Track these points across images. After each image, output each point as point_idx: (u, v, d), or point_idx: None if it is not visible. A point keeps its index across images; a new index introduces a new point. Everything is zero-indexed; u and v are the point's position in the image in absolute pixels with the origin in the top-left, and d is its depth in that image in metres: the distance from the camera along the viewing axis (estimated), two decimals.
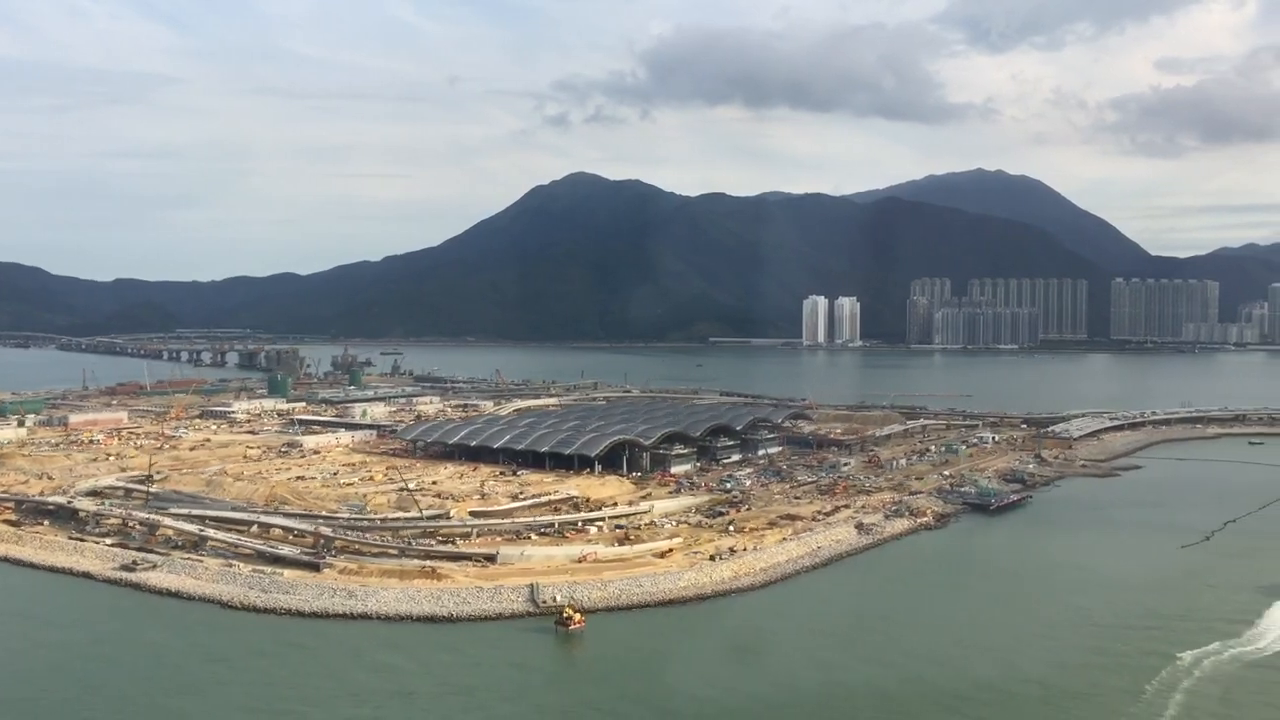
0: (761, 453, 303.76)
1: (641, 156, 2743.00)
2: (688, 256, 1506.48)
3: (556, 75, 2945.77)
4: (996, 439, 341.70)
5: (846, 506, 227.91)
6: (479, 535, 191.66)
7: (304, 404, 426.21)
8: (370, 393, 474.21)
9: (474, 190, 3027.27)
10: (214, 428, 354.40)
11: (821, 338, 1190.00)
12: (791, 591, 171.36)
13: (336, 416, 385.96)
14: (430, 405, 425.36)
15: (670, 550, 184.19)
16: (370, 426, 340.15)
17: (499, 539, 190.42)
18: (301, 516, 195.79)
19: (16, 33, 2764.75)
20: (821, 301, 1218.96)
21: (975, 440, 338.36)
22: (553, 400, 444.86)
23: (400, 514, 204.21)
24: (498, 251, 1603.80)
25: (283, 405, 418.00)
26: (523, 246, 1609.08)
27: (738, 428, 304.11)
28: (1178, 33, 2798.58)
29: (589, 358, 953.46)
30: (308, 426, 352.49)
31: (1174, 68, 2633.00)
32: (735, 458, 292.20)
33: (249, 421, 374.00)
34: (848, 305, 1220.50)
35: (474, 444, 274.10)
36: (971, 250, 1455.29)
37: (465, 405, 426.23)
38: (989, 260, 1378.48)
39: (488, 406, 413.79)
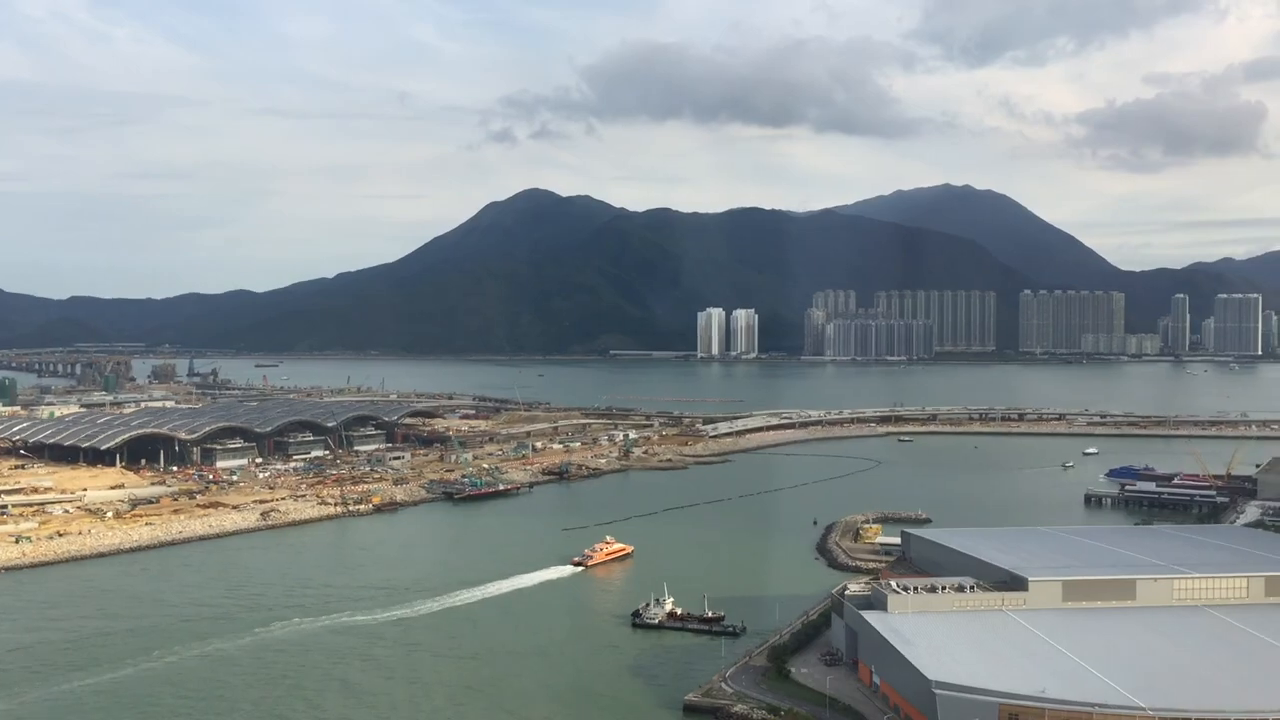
0: (358, 449, 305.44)
1: (655, 175, 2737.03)
2: (610, 271, 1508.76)
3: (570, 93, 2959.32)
4: (633, 435, 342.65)
5: (298, 497, 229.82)
6: None
7: (16, 408, 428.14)
8: (110, 397, 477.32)
9: (453, 206, 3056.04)
10: None
11: (716, 350, 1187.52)
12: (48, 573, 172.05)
13: (26, 417, 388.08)
14: (157, 404, 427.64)
15: None
16: None
17: None
18: None
19: (42, 57, 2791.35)
20: (717, 314, 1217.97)
21: (606, 437, 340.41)
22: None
23: None
24: (438, 267, 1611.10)
25: None
26: (462, 262, 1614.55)
27: (329, 424, 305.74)
28: (1156, 49, 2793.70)
29: (457, 369, 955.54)
30: None
31: (1161, 83, 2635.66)
32: (315, 453, 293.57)
33: None
34: (743, 318, 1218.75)
35: (16, 439, 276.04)
36: (899, 263, 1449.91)
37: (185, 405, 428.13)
38: (915, 273, 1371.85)
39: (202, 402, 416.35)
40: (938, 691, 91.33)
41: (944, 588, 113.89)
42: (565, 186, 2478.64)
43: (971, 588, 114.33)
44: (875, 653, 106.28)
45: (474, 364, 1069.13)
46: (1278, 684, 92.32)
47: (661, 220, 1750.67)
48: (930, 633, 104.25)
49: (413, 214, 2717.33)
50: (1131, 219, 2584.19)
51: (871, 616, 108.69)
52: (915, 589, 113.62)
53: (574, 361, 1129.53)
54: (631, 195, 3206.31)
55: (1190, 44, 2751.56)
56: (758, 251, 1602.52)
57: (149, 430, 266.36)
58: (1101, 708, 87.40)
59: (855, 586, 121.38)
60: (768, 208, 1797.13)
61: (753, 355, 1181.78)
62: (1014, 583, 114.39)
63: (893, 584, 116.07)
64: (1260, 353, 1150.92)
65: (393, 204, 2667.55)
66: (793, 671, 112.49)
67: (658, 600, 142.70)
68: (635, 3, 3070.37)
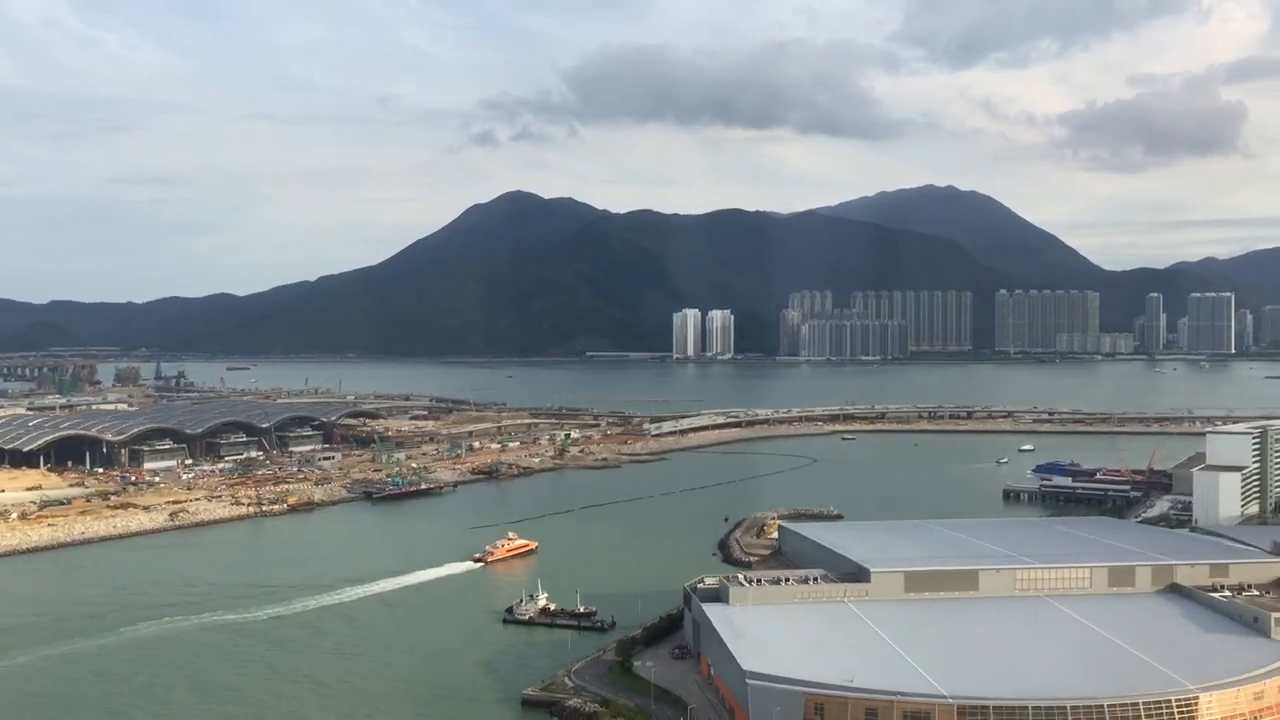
0: (294, 449, 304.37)
1: (640, 177, 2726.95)
2: (590, 273, 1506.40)
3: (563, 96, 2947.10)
4: (575, 434, 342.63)
5: (214, 497, 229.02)
6: None
7: None
8: (63, 399, 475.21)
9: (440, 210, 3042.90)
10: None
11: (691, 351, 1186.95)
12: None
13: None
14: (109, 407, 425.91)
15: None
16: None
17: None
18: None
19: (34, 63, 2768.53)
20: (693, 314, 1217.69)
21: (548, 437, 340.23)
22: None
23: None
24: (419, 270, 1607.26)
25: None
26: (443, 265, 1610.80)
27: (263, 425, 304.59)
28: (1140, 50, 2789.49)
29: (431, 371, 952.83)
30: None
31: (1144, 84, 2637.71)
32: (248, 454, 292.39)
33: None
34: (719, 318, 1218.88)
35: None
36: (878, 263, 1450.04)
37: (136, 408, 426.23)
38: (894, 273, 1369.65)
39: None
40: (749, 681, 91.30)
41: (788, 579, 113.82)
42: (549, 189, 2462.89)
43: (816, 579, 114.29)
44: (711, 645, 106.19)
45: (449, 366, 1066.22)
46: (1091, 670, 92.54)
47: (643, 222, 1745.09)
48: (763, 624, 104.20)
49: (400, 217, 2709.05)
50: (1116, 219, 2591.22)
51: (711, 609, 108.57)
52: (759, 581, 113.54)
53: (550, 363, 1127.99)
54: (616, 197, 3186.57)
55: (1174, 45, 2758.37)
56: (739, 252, 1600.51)
57: (75, 432, 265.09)
58: (903, 696, 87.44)
59: (710, 580, 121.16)
60: (750, 209, 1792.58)
61: (728, 356, 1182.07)
62: (859, 574, 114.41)
63: (740, 577, 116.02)
64: (1234, 350, 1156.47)
65: (380, 207, 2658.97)
66: (636, 665, 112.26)
67: (531, 596, 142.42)
68: (624, 8, 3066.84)
